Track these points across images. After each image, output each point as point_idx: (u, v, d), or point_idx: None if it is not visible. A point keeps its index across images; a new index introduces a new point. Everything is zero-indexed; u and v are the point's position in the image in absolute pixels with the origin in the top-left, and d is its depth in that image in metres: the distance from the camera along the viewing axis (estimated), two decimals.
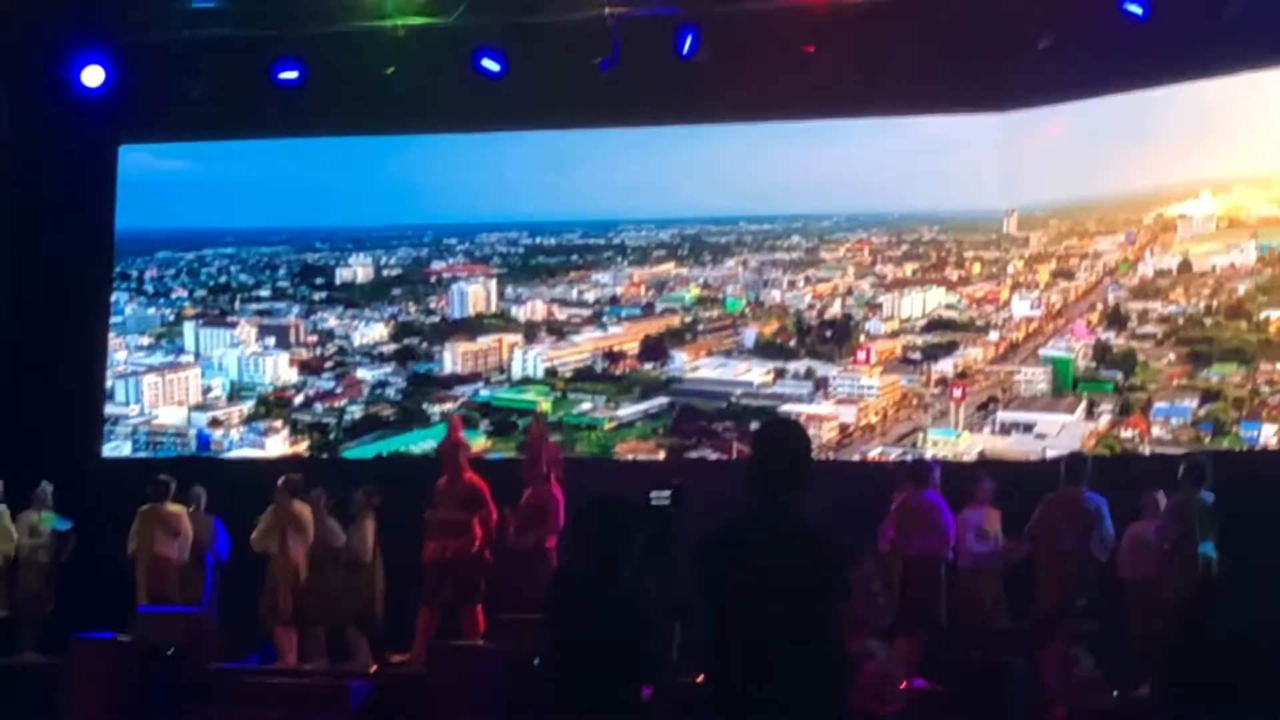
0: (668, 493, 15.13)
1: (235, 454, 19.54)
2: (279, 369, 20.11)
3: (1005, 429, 17.98)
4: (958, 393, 18.19)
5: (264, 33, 17.04)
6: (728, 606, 6.58)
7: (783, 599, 6.40)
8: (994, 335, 18.41)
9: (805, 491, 6.65)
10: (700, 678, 6.71)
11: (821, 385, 18.68)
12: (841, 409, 18.48)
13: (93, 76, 17.52)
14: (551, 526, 14.47)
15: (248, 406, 19.96)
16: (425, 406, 19.56)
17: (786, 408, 18.50)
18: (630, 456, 18.55)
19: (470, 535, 14.60)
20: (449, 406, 19.37)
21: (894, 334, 18.77)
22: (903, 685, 12.67)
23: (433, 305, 20.16)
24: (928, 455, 16.82)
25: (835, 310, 19.07)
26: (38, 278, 18.76)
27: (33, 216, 18.80)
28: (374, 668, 15.01)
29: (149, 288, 20.67)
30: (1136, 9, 15.17)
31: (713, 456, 18.31)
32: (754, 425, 17.59)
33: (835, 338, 18.89)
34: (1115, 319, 17.66)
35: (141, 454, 19.66)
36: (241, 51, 17.23)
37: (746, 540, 6.63)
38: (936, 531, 14.28)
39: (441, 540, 14.72)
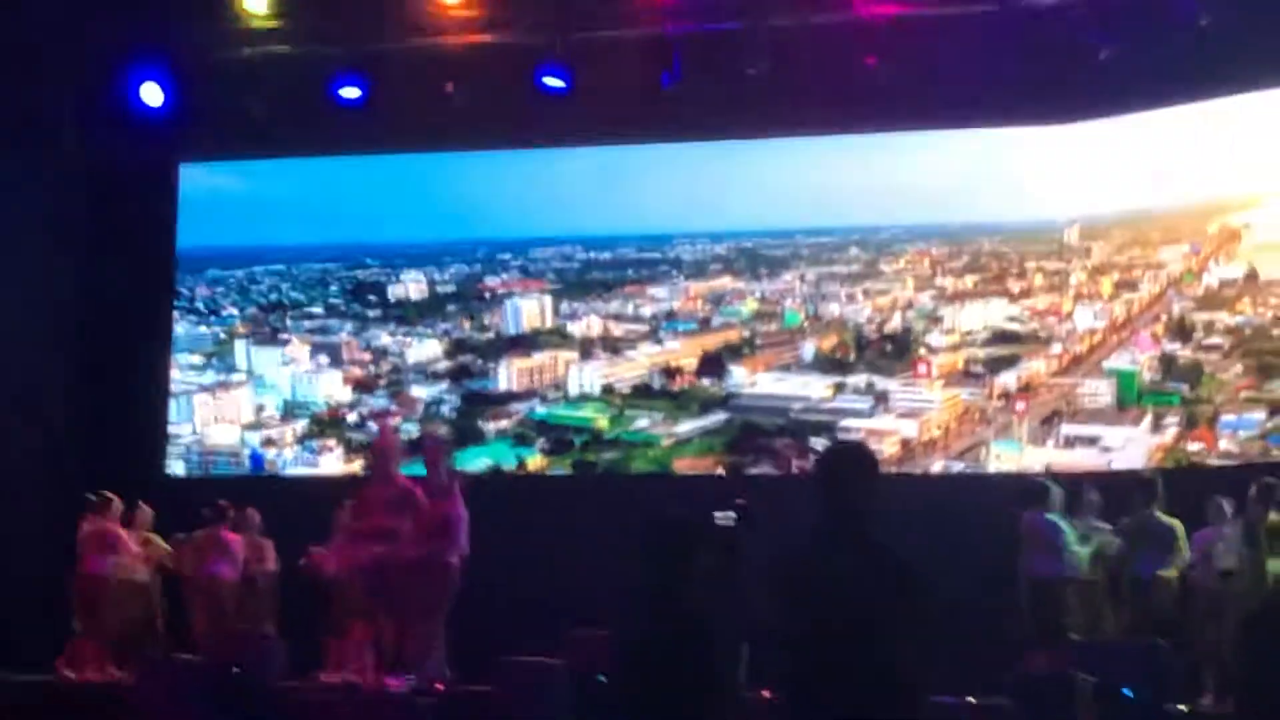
0: (732, 513, 15.08)
1: (290, 473, 19.44)
2: (332, 387, 20.04)
3: (1069, 442, 17.81)
4: (1021, 406, 18.03)
5: (324, 49, 16.97)
6: (803, 626, 6.57)
7: (859, 618, 6.39)
8: (1057, 348, 18.22)
9: (875, 509, 6.69)
10: (768, 694, 6.70)
11: (882, 399, 18.54)
12: (902, 423, 18.34)
13: (153, 95, 17.49)
14: (452, 542, 14.01)
15: (301, 425, 19.89)
16: (480, 424, 19.45)
17: (846, 422, 18.42)
18: (689, 473, 18.46)
19: (403, 541, 14.10)
20: (504, 424, 19.32)
21: (955, 347, 18.58)
22: None
23: (487, 322, 20.06)
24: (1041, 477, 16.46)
25: (895, 323, 18.90)
26: (101, 297, 18.75)
27: (96, 236, 18.85)
28: (439, 685, 14.88)
29: (200, 306, 20.60)
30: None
31: (772, 472, 18.18)
32: (814, 441, 17.63)
33: (895, 351, 18.74)
34: (1180, 330, 17.49)
35: (195, 474, 19.63)
36: (302, 69, 17.17)
37: (820, 559, 6.63)
38: (1056, 552, 14.17)
39: (372, 546, 14.20)
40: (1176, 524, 14.20)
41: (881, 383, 18.59)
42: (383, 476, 14.11)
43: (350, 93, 17.21)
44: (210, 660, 14.28)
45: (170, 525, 16.65)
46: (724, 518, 14.76)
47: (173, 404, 19.90)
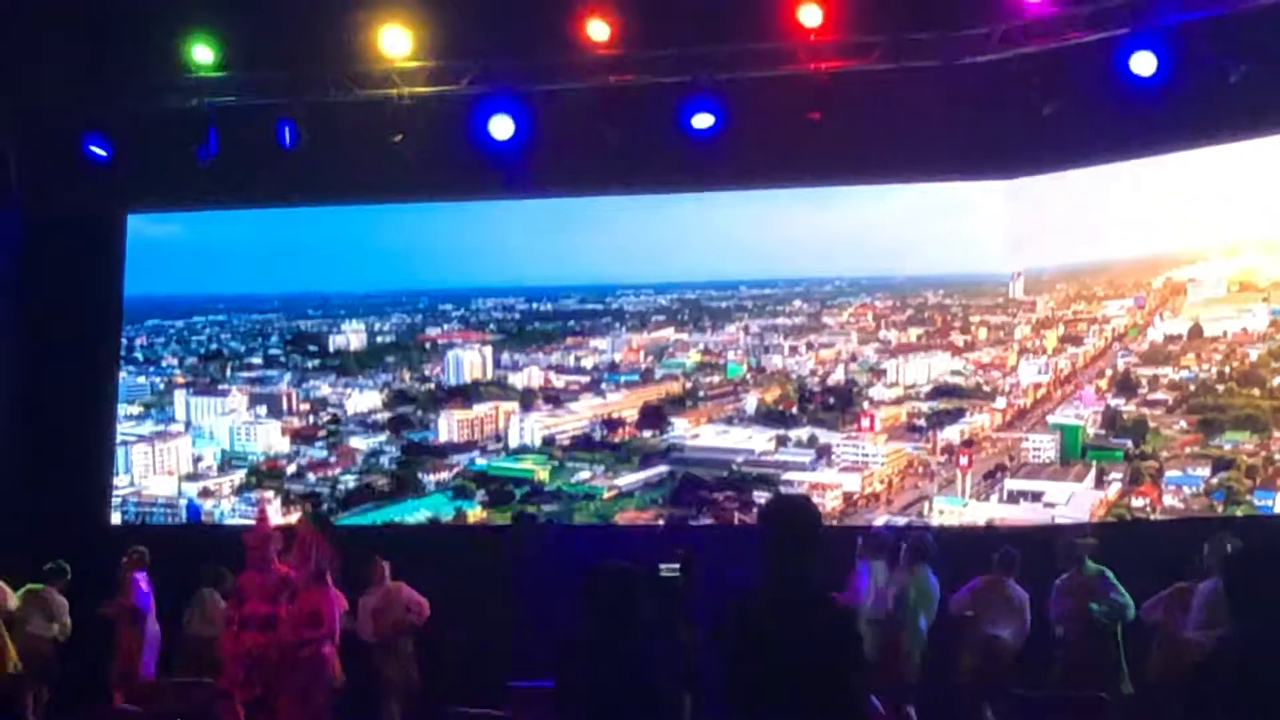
0: (676, 565, 15.02)
1: (229, 524, 19.22)
2: (271, 438, 19.87)
3: (1013, 497, 17.82)
4: (965, 460, 18.02)
5: (269, 100, 16.85)
6: (748, 676, 6.69)
7: (802, 667, 6.55)
8: (1001, 402, 18.28)
9: (816, 561, 6.86)
10: None
11: (825, 453, 18.50)
12: (845, 477, 18.29)
13: (97, 146, 17.28)
14: (327, 631, 13.64)
15: (239, 476, 19.68)
16: (420, 475, 19.30)
17: (789, 475, 18.37)
18: (631, 523, 18.37)
19: (280, 628, 13.73)
20: (444, 475, 19.20)
21: (899, 400, 18.61)
22: None
23: (427, 372, 19.96)
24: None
25: (838, 376, 18.92)
26: (47, 347, 18.67)
27: (40, 286, 18.72)
28: None
29: (139, 355, 20.41)
30: (1145, 66, 14.94)
31: (714, 524, 18.09)
32: (756, 494, 17.58)
33: (838, 404, 18.73)
34: (1125, 385, 17.52)
35: (132, 524, 19.38)
36: (246, 119, 17.03)
37: (764, 610, 6.75)
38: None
39: (252, 634, 13.87)
40: (1025, 596, 14.48)
41: (824, 436, 18.55)
42: (259, 563, 13.64)
43: (292, 140, 17.07)
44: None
45: (107, 576, 16.41)
46: (668, 569, 14.76)
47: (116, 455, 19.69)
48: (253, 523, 13.50)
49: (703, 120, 16.22)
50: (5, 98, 17.25)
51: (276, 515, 19.04)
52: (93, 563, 16.76)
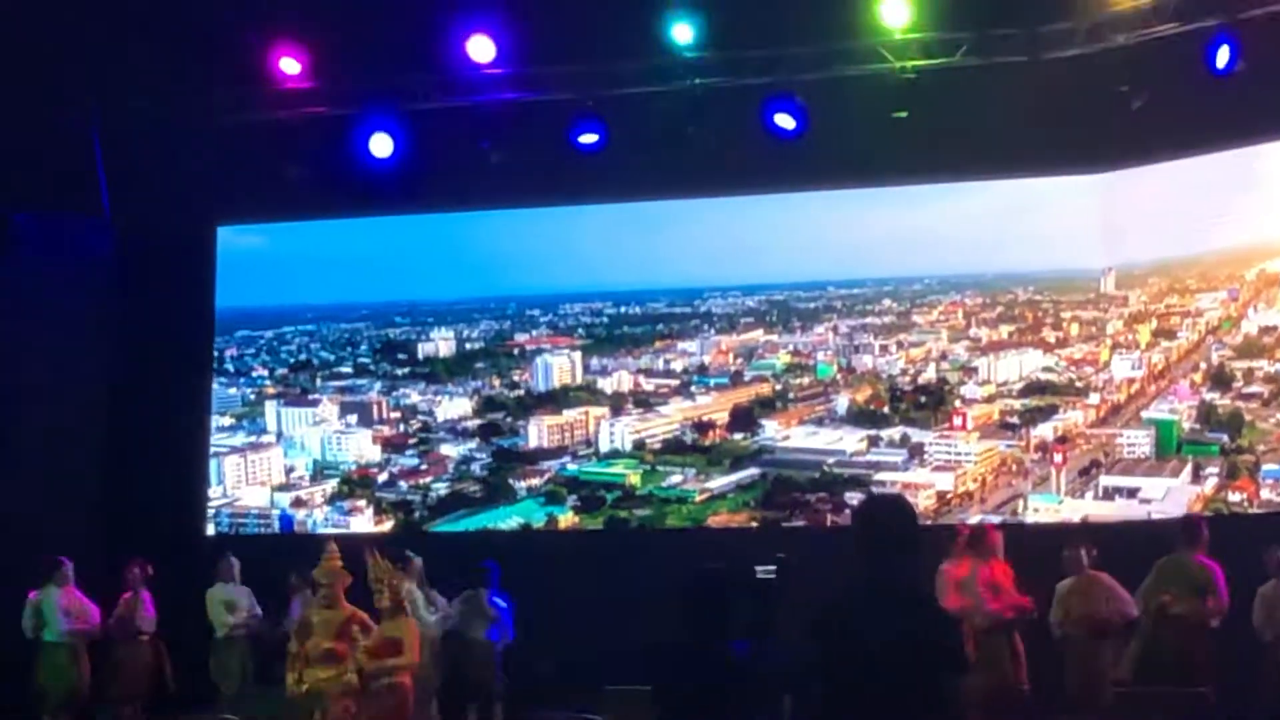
0: (772, 567, 14.96)
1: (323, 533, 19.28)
2: (362, 447, 19.93)
3: (1108, 494, 17.62)
4: (1058, 457, 17.86)
5: (357, 110, 16.96)
6: (847, 677, 6.65)
7: (901, 668, 6.49)
8: (1094, 398, 18.08)
9: (913, 561, 6.86)
10: None
11: (917, 452, 18.38)
12: (938, 476, 18.17)
13: (191, 157, 17.39)
14: (407, 661, 13.52)
15: (331, 486, 19.77)
16: (511, 482, 19.32)
17: (881, 476, 18.27)
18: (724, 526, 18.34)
19: (347, 666, 13.63)
20: (535, 481, 19.20)
21: (991, 398, 18.47)
22: None
23: (516, 378, 19.96)
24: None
25: (929, 375, 18.79)
26: (142, 359, 18.83)
27: (133, 300, 18.86)
28: None
29: (230, 367, 20.52)
30: (1229, 57, 14.81)
31: (807, 526, 18.02)
32: (849, 495, 17.48)
33: (930, 403, 18.61)
34: (1220, 379, 17.32)
35: (227, 534, 19.53)
36: (335, 130, 17.15)
37: (861, 611, 6.72)
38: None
39: (315, 670, 13.75)
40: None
41: (916, 435, 18.44)
42: (329, 600, 13.55)
43: (383, 149, 17.17)
44: None
45: (203, 587, 16.57)
46: (764, 571, 14.71)
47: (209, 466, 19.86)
48: (324, 560, 13.39)
49: (786, 121, 16.21)
50: (95, 108, 17.42)
51: (368, 524, 19.20)
52: (189, 573, 16.90)
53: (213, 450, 19.90)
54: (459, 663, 15.47)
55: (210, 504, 19.70)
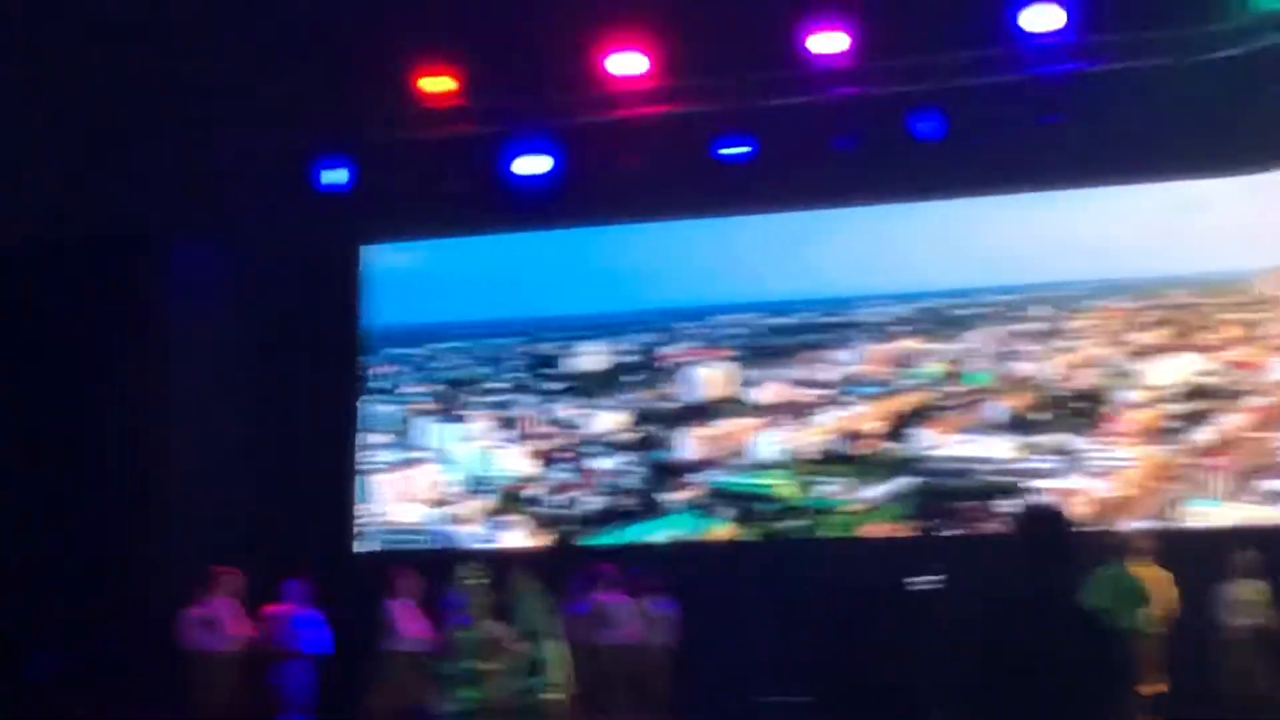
0: (931, 578, 14.94)
1: (479, 548, 19.43)
2: (515, 461, 20.04)
3: (1270, 498, 17.36)
4: (1218, 462, 17.61)
5: (505, 128, 17.09)
6: (1005, 686, 6.37)
7: (1060, 677, 6.26)
8: (1254, 401, 17.80)
9: (1072, 569, 6.71)
10: None
11: (1073, 459, 18.19)
12: (1095, 482, 17.99)
13: (334, 176, 17.64)
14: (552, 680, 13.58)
15: (485, 500, 19.89)
16: (664, 494, 19.37)
17: (1037, 483, 18.08)
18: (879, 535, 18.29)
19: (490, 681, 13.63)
20: (688, 494, 19.22)
21: (1148, 403, 18.21)
22: None
23: (667, 391, 19.97)
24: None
25: (1085, 381, 18.57)
26: (288, 378, 19.06)
27: (280, 318, 19.12)
28: None
29: (382, 384, 20.70)
30: None
31: (964, 534, 17.91)
32: (1004, 503, 17.30)
33: (1086, 409, 18.40)
34: None
35: (379, 551, 19.71)
36: (482, 147, 17.29)
37: (1020, 620, 6.47)
38: None
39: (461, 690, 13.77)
40: None
41: (1072, 442, 18.24)
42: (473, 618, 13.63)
43: (536, 167, 17.31)
44: None
45: (355, 604, 16.70)
46: (923, 582, 14.69)
47: (357, 483, 20.04)
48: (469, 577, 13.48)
49: (929, 128, 16.17)
50: (240, 129, 17.64)
51: (521, 539, 19.31)
52: (341, 591, 17.09)
53: (364, 467, 20.12)
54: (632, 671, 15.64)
55: (365, 521, 19.91)
